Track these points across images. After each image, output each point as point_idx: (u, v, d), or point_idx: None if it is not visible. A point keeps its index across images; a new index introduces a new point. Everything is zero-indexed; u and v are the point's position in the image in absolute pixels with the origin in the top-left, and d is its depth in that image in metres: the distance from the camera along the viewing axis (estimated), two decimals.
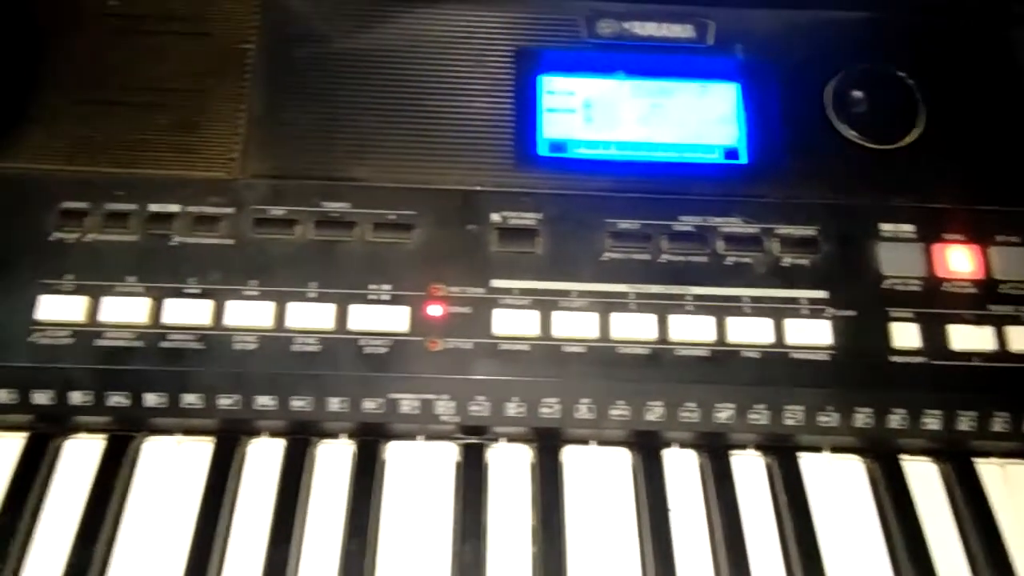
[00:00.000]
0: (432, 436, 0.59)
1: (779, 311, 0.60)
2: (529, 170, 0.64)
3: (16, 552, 0.53)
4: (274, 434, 0.59)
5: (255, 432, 0.58)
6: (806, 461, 0.59)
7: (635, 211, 0.63)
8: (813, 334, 0.60)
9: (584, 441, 0.60)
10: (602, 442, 0.60)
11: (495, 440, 0.59)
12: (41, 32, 0.65)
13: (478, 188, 0.63)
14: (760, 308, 0.60)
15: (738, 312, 0.60)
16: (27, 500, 0.54)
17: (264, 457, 0.58)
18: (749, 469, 0.59)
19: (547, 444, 0.59)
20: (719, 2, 0.69)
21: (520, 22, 0.68)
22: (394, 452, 0.59)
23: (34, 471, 0.56)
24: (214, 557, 0.53)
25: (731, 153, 0.68)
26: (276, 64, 0.65)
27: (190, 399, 0.57)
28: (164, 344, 0.57)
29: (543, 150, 0.66)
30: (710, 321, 0.59)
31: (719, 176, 0.66)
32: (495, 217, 0.62)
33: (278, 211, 0.61)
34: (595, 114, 0.68)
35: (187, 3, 0.67)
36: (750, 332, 0.59)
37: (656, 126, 0.67)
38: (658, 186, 0.64)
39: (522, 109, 0.66)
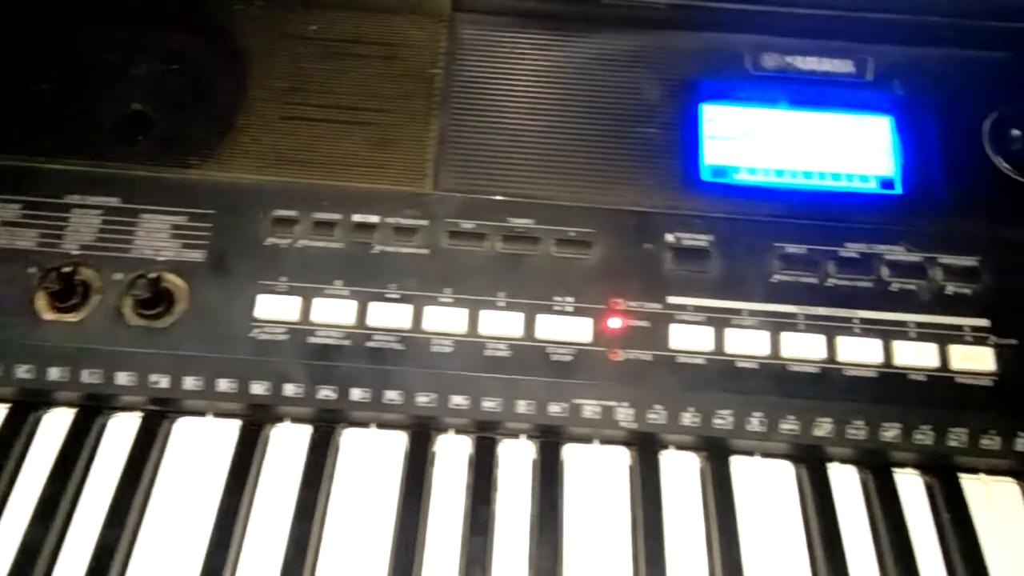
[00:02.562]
0: (605, 440, 0.62)
1: (943, 337, 0.61)
2: (694, 194, 0.67)
3: (239, 532, 0.56)
4: (460, 431, 0.61)
5: (444, 428, 0.61)
6: (967, 482, 0.61)
7: (801, 236, 0.64)
8: (976, 360, 0.61)
9: (750, 453, 0.62)
10: (766, 454, 0.62)
11: (665, 447, 0.62)
12: (247, 54, 0.69)
13: (651, 209, 0.65)
14: (925, 333, 0.61)
15: (904, 336, 0.61)
16: (246, 483, 0.58)
17: (454, 452, 0.61)
18: (910, 487, 0.61)
19: (716, 453, 0.61)
20: (879, 39, 0.72)
21: (689, 52, 0.70)
22: (572, 454, 0.61)
23: (249, 457, 0.59)
24: (417, 545, 0.56)
25: (887, 183, 0.69)
26: (461, 88, 0.69)
27: (391, 395, 0.60)
28: (369, 344, 0.60)
29: (706, 175, 0.68)
30: (877, 344, 0.61)
31: (876, 205, 0.67)
32: (669, 238, 0.64)
33: (468, 225, 0.64)
34: (755, 142, 0.70)
35: (379, 31, 0.70)
36: (915, 356, 0.61)
37: (813, 155, 0.69)
38: (818, 213, 0.66)
39: (686, 135, 0.68)
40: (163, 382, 0.59)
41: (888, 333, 0.62)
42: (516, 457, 0.61)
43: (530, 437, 0.62)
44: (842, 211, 0.67)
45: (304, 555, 0.55)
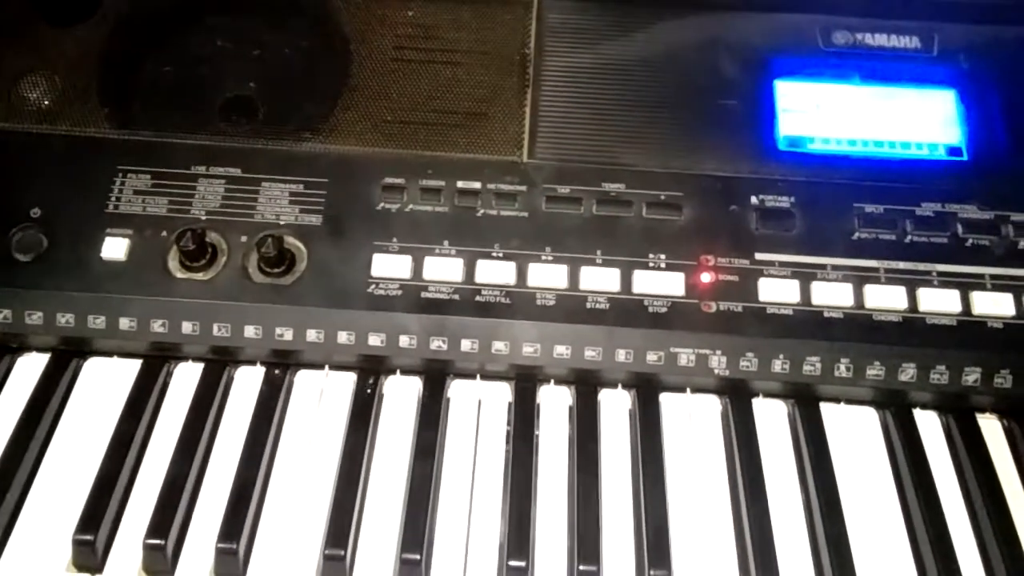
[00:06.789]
0: (697, 389, 0.64)
1: (1018, 288, 0.63)
2: (772, 161, 0.69)
3: (364, 474, 0.59)
4: (560, 382, 0.64)
5: (546, 379, 0.64)
6: None
7: (877, 198, 0.67)
8: None
9: (836, 399, 0.64)
10: (850, 401, 0.64)
11: (755, 395, 0.64)
12: (350, 38, 0.72)
13: (734, 175, 0.68)
14: (1000, 284, 0.64)
15: (981, 287, 0.64)
16: (368, 430, 0.61)
17: (556, 401, 0.63)
18: (991, 431, 0.63)
19: (805, 401, 0.63)
20: (944, 17, 0.74)
21: (763, 32, 0.73)
22: (667, 402, 0.64)
23: (368, 407, 0.62)
24: (531, 490, 0.58)
25: (954, 151, 0.71)
26: (551, 66, 0.72)
27: (498, 346, 0.62)
28: (478, 299, 0.63)
29: (782, 145, 0.70)
30: (955, 295, 0.63)
31: (946, 170, 0.70)
32: (753, 200, 0.67)
33: (564, 190, 0.67)
34: (827, 115, 0.72)
35: (472, 16, 0.74)
36: (992, 305, 0.63)
37: (882, 126, 0.71)
38: (891, 177, 0.68)
39: (763, 109, 0.71)
40: (287, 335, 0.62)
41: (965, 285, 0.64)
42: (615, 406, 0.63)
43: (626, 387, 0.64)
44: (914, 176, 0.69)
45: (428, 491, 0.57)
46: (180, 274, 0.63)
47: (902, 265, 0.64)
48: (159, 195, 0.65)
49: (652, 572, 0.55)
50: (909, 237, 0.65)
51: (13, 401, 0.62)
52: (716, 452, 0.62)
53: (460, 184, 0.66)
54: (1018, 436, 0.62)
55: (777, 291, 0.63)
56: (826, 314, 0.63)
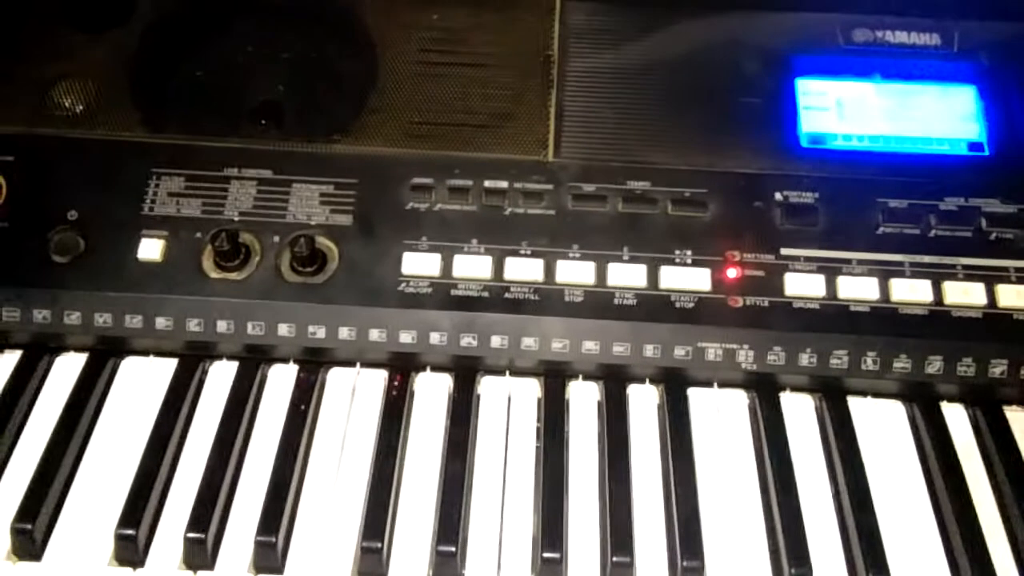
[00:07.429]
0: (724, 383, 0.65)
1: None
2: (795, 158, 0.70)
3: (398, 469, 0.59)
4: (589, 377, 0.65)
5: (575, 375, 0.65)
6: None
7: (901, 193, 0.67)
8: None
9: (863, 393, 0.64)
10: (877, 395, 0.65)
11: (782, 389, 0.65)
12: (377, 41, 0.73)
13: (758, 171, 0.68)
14: None
15: (1006, 280, 0.64)
16: (401, 429, 0.61)
17: (585, 396, 0.64)
18: (1019, 423, 0.63)
19: (832, 395, 0.64)
20: (964, 14, 0.75)
21: (784, 30, 0.74)
22: (696, 396, 0.64)
23: (400, 403, 0.63)
24: (562, 483, 0.59)
25: (975, 146, 0.72)
26: (575, 66, 0.72)
27: (527, 342, 0.63)
28: (507, 296, 0.64)
29: (804, 142, 0.71)
30: (980, 288, 0.64)
31: (967, 166, 0.70)
32: (778, 196, 0.67)
33: (590, 188, 0.67)
34: (848, 112, 0.73)
35: (496, 19, 0.75)
36: (1018, 297, 0.63)
37: (903, 122, 0.72)
38: (914, 172, 0.69)
39: (785, 107, 0.71)
40: (320, 333, 0.63)
41: (990, 277, 0.64)
42: (643, 401, 0.64)
43: (654, 382, 0.65)
44: (936, 171, 0.69)
45: (461, 485, 0.58)
46: (214, 274, 0.64)
47: (927, 259, 0.65)
48: (193, 197, 0.66)
49: (685, 563, 0.55)
50: (933, 231, 0.66)
51: (52, 400, 0.63)
52: (745, 446, 0.62)
53: (487, 183, 0.67)
54: None
55: (803, 285, 0.64)
56: (852, 308, 0.63)
